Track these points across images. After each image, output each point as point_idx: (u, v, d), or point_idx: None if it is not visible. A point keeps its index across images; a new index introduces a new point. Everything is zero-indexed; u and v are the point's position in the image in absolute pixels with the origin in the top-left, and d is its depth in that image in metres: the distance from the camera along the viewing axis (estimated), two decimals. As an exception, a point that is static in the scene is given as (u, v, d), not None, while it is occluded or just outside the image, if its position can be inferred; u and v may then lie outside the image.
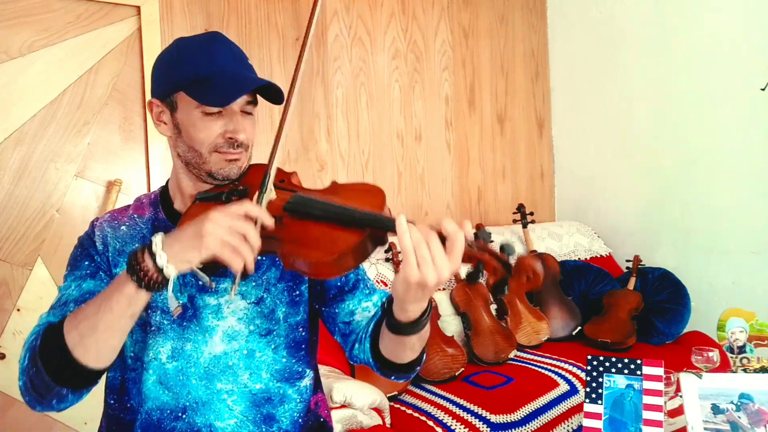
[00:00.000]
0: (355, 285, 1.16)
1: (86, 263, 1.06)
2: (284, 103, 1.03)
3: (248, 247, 0.84)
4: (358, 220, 0.91)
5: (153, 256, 0.84)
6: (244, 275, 0.86)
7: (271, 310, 1.08)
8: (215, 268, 1.03)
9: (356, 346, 1.12)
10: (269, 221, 0.90)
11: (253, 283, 1.07)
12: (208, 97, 0.99)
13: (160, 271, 0.84)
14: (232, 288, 0.92)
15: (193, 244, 0.84)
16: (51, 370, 0.89)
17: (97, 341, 0.88)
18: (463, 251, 0.83)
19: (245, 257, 0.83)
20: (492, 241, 0.87)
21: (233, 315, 1.06)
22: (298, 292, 1.11)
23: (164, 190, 1.15)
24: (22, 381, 0.93)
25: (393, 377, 1.09)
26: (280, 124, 1.01)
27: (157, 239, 0.86)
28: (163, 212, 1.11)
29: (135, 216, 1.11)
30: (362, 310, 1.14)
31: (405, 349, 1.01)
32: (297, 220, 0.96)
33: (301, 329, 1.12)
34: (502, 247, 0.86)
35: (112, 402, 1.08)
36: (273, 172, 1.00)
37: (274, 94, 1.05)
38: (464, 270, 0.87)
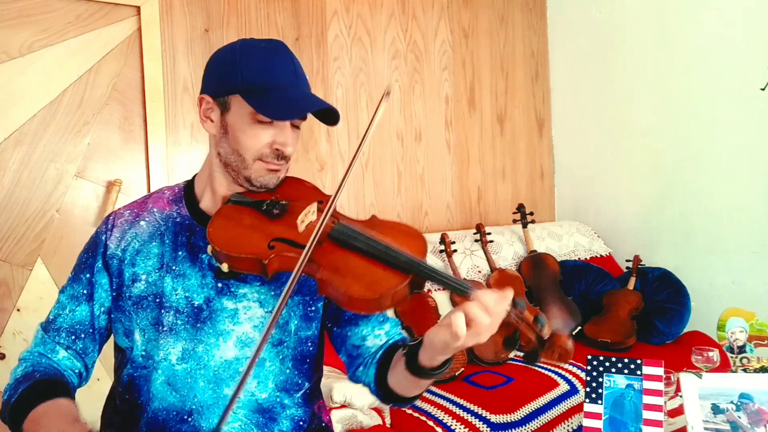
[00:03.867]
0: None
1: (86, 277, 1.07)
2: (360, 141, 0.98)
3: None
4: (404, 265, 0.90)
5: None
6: None
7: (285, 321, 1.08)
8: (235, 274, 1.03)
9: (361, 368, 1.12)
10: None
11: (272, 293, 1.07)
12: (268, 108, 0.99)
13: None
14: None
15: None
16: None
17: None
18: (502, 318, 0.88)
19: None
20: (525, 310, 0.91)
21: (249, 322, 1.05)
22: (313, 308, 1.11)
23: (188, 185, 1.14)
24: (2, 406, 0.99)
25: (390, 405, 1.12)
26: (354, 156, 0.96)
27: None
28: (186, 209, 1.10)
29: (155, 210, 1.10)
30: (374, 337, 1.13)
31: (416, 388, 1.03)
32: (338, 248, 0.95)
33: (310, 344, 1.11)
34: (536, 319, 0.89)
35: (127, 397, 1.07)
36: (334, 204, 0.96)
37: (328, 116, 1.05)
38: None
